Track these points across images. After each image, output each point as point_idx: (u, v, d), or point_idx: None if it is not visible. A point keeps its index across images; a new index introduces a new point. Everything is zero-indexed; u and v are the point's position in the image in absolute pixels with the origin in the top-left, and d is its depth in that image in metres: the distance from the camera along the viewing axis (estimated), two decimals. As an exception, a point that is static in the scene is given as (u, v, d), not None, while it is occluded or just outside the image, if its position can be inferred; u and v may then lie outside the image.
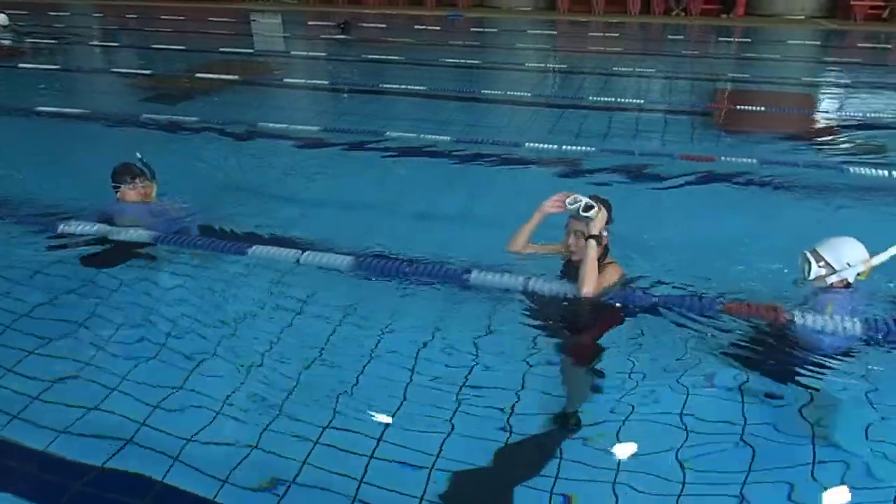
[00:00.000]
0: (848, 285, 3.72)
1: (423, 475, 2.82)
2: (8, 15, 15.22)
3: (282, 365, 3.52)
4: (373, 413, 3.18)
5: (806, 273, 3.71)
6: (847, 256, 3.66)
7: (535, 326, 3.85)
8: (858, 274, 3.67)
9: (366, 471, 2.84)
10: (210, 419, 3.11)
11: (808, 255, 3.71)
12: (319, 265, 4.39)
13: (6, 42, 14.23)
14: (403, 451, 2.95)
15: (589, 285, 3.74)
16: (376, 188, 6.09)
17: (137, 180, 4.94)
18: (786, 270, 4.12)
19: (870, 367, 3.50)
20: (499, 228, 5.02)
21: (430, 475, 2.83)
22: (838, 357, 3.56)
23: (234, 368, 3.47)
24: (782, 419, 3.19)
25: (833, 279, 3.67)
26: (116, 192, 4.96)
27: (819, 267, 3.67)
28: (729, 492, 2.77)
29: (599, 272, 3.78)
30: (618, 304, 3.86)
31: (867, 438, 3.08)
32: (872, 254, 3.68)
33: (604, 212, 3.81)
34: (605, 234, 3.83)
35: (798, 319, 3.68)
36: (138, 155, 5.13)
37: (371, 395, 3.31)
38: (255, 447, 2.96)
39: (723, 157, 6.57)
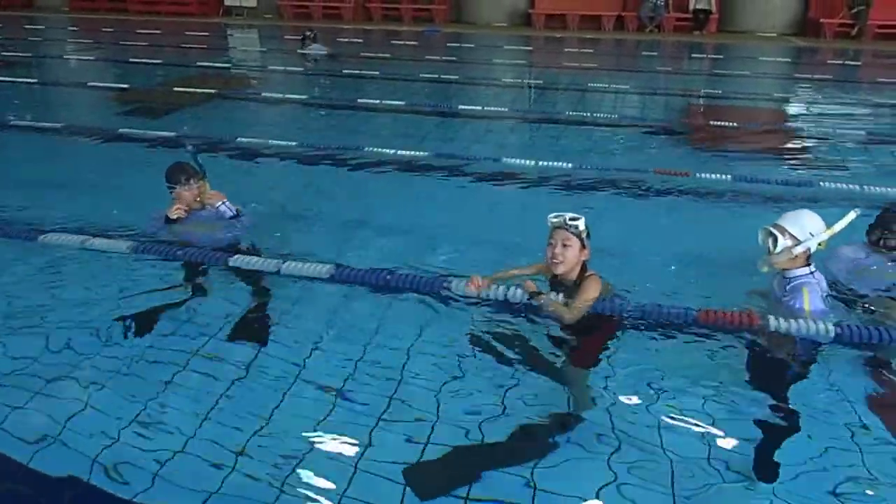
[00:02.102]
0: (808, 262, 3.83)
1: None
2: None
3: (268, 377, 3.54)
4: (369, 415, 3.24)
5: (772, 247, 3.79)
6: (809, 226, 3.79)
7: (535, 333, 3.91)
8: (819, 243, 3.79)
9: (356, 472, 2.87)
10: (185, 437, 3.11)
11: (772, 229, 3.81)
12: (300, 275, 4.43)
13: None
14: (395, 454, 3.01)
15: (567, 317, 3.80)
16: (353, 202, 6.11)
17: (192, 180, 4.87)
18: (754, 278, 4.20)
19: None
20: (475, 243, 5.09)
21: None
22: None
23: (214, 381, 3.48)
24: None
25: (799, 250, 3.76)
26: (171, 192, 4.88)
27: (785, 240, 3.76)
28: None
29: (581, 287, 3.84)
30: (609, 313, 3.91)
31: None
32: (828, 224, 3.81)
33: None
34: (586, 249, 3.88)
35: (772, 323, 3.75)
36: (189, 148, 5.11)
37: (366, 399, 3.37)
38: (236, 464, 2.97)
39: (697, 173, 6.68)
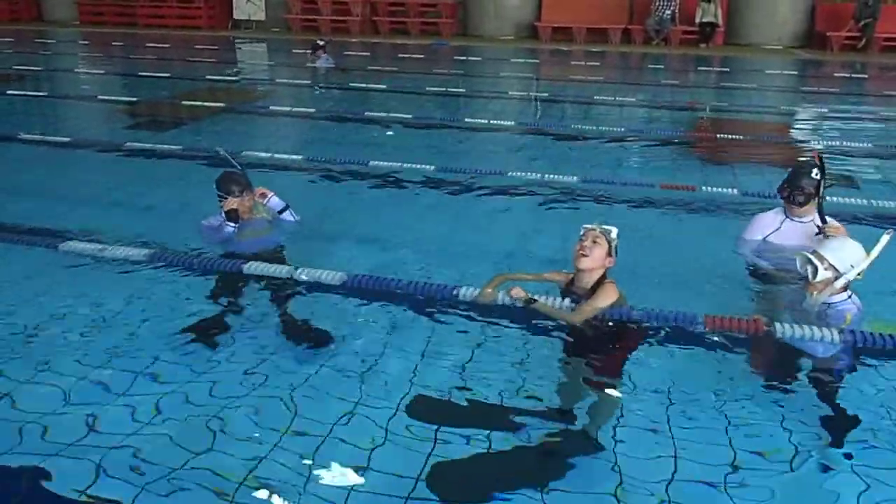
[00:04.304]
0: (846, 288, 3.83)
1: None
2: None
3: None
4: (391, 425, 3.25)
5: (811, 275, 3.78)
6: (849, 257, 3.77)
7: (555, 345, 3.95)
8: (858, 274, 3.77)
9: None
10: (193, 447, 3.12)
11: (812, 257, 3.78)
12: (313, 281, 4.50)
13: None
14: (404, 469, 2.99)
15: (572, 319, 3.86)
16: (360, 215, 6.13)
17: (245, 192, 4.93)
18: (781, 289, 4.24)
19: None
20: (481, 254, 5.10)
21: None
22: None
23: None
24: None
25: (840, 284, 3.75)
26: (221, 202, 4.92)
27: (825, 270, 3.73)
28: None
29: (597, 292, 3.87)
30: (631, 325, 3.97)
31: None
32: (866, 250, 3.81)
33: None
34: (611, 257, 3.95)
35: (778, 330, 3.82)
36: (221, 152, 5.17)
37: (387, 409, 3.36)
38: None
39: (703, 187, 6.68)
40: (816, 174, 4.57)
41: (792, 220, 4.74)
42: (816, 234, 4.49)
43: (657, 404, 3.46)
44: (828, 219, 4.56)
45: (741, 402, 3.48)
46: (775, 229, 4.79)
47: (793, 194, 4.65)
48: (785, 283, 4.56)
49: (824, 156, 4.71)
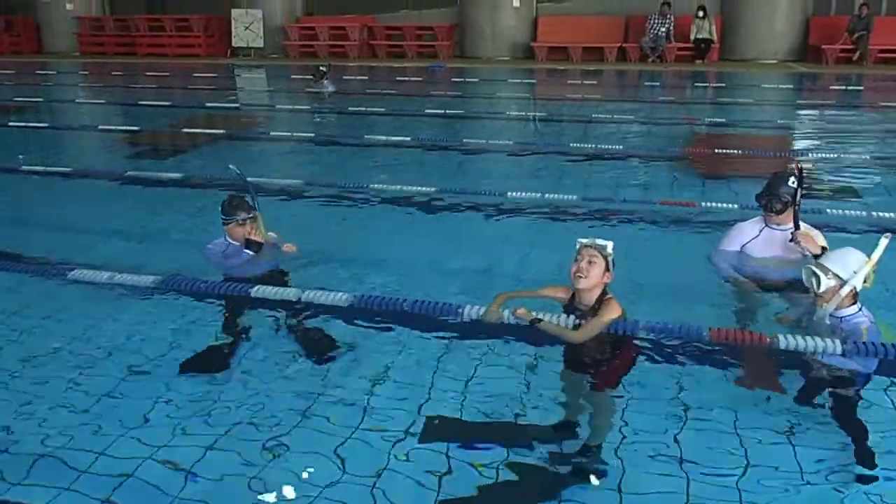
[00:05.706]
0: (855, 299, 3.82)
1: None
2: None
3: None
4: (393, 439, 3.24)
5: (815, 287, 3.79)
6: (852, 264, 3.76)
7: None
8: (864, 280, 3.77)
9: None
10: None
11: (815, 268, 3.80)
12: (319, 302, 4.53)
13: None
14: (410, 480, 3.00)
15: (574, 337, 3.86)
16: (359, 238, 6.15)
17: (248, 220, 4.96)
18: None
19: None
20: (481, 275, 5.10)
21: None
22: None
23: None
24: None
25: (846, 291, 3.74)
26: (226, 225, 4.95)
27: (828, 279, 3.74)
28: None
29: (600, 310, 3.87)
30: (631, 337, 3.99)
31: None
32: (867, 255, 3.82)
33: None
34: (609, 273, 3.94)
35: (781, 342, 3.84)
36: (232, 167, 5.18)
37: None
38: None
39: (703, 203, 6.71)
40: (794, 182, 4.67)
41: (770, 228, 4.83)
42: (789, 240, 4.54)
43: (663, 419, 3.46)
44: (802, 225, 4.62)
45: (748, 416, 3.47)
46: (754, 237, 4.90)
47: (770, 202, 4.77)
48: (763, 291, 4.66)
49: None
